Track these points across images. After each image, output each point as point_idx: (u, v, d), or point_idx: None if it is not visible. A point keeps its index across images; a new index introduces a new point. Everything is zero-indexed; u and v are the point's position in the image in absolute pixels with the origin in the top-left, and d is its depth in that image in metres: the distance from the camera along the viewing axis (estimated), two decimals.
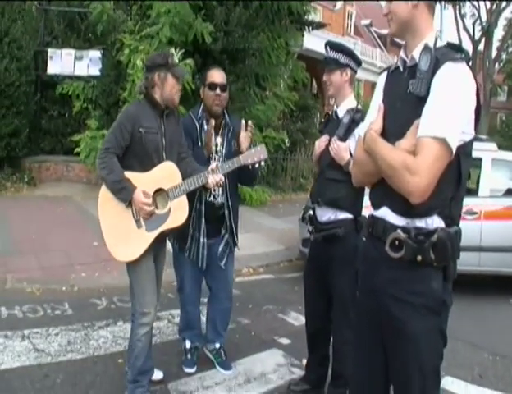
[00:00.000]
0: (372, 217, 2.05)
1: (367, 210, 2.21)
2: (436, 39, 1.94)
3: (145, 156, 3.07)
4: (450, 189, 1.87)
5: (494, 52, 30.68)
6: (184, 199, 3.10)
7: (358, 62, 3.31)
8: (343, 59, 3.22)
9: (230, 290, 3.74)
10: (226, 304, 3.73)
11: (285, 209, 10.83)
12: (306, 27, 11.14)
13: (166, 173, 3.09)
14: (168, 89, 3.09)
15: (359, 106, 3.26)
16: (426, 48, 1.88)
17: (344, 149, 3.11)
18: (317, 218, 3.30)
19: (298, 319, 4.99)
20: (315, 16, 12.11)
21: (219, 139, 3.49)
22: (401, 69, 2.02)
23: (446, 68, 1.81)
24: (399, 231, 1.89)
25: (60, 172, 10.66)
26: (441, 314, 1.88)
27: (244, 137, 3.41)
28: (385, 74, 2.14)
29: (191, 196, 3.23)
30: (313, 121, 16.80)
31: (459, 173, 1.87)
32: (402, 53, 2.03)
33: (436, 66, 1.82)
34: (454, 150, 1.79)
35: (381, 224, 1.96)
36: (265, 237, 8.12)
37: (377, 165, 1.92)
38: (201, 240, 3.47)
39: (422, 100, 1.84)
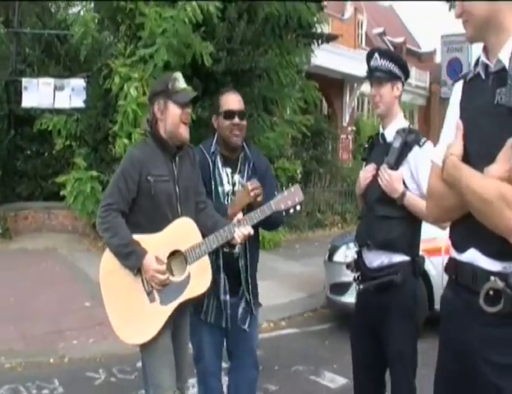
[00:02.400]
0: (454, 260, 1.91)
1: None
2: None
3: (156, 210, 2.95)
4: None
5: None
6: (205, 262, 2.97)
7: (408, 76, 3.24)
8: (396, 70, 3.14)
9: (255, 356, 3.56)
10: (251, 373, 3.56)
11: (303, 250, 10.82)
12: (315, 41, 11.32)
13: (182, 231, 2.97)
14: (170, 120, 2.98)
15: (411, 126, 3.19)
16: None
17: (396, 179, 3.03)
18: (367, 264, 3.17)
19: (334, 381, 4.91)
20: (324, 28, 12.28)
21: (237, 178, 3.41)
22: (483, 76, 1.85)
23: None
24: (494, 278, 1.73)
25: (40, 221, 10.67)
26: None
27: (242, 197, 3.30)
28: (460, 83, 1.96)
29: None
30: (327, 147, 17.00)
31: None
32: (483, 57, 1.86)
33: None
34: None
35: (469, 270, 1.81)
36: (283, 284, 8.09)
37: (461, 198, 1.77)
38: (222, 298, 3.34)
39: None
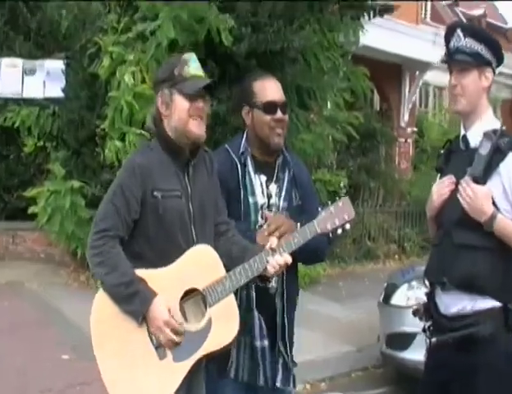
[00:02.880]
0: None
1: None
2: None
3: (165, 236, 2.97)
4: None
5: None
6: (230, 303, 2.96)
7: (501, 62, 3.22)
8: (485, 53, 3.12)
9: None
10: None
11: (349, 289, 10.87)
12: (366, 14, 11.41)
13: (199, 263, 2.97)
14: (176, 116, 3.02)
15: (504, 127, 3.14)
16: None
17: (484, 197, 3.00)
18: (441, 310, 3.18)
19: None
20: None
21: (274, 188, 3.48)
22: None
23: None
24: None
25: (2, 247, 10.75)
26: None
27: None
28: None
29: None
30: (380, 154, 17.01)
31: None
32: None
33: None
34: None
35: None
36: (323, 333, 8.14)
37: None
38: (257, 344, 3.35)
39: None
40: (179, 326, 2.85)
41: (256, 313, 3.34)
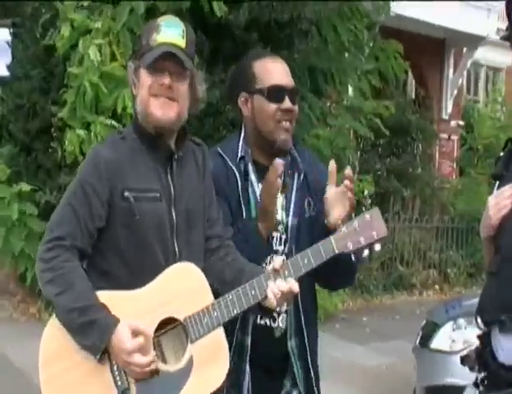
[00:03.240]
0: None
1: None
2: None
3: (138, 248, 2.94)
4: None
5: None
6: (219, 338, 2.91)
7: None
8: None
9: None
10: None
11: (375, 326, 10.93)
12: None
13: (180, 285, 2.92)
14: (140, 93, 3.04)
15: None
16: None
17: None
18: (500, 357, 3.17)
19: None
20: None
21: (279, 200, 3.42)
22: None
23: None
24: None
25: None
26: None
27: (338, 198, 3.26)
28: None
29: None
30: (416, 154, 17.04)
31: None
32: None
33: None
34: None
35: None
36: (342, 384, 8.10)
37: None
38: None
39: None
40: (149, 353, 2.77)
41: (247, 366, 3.31)
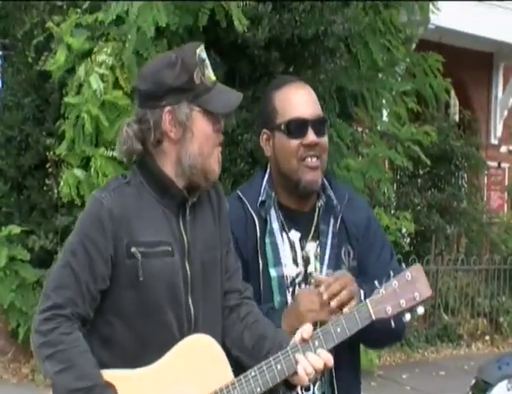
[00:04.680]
0: None
1: None
2: None
3: (146, 311, 2.88)
4: None
5: None
6: None
7: None
8: None
9: None
10: None
11: (417, 384, 10.91)
12: None
13: (196, 362, 2.87)
14: (198, 142, 2.89)
15: None
16: None
17: None
18: None
19: None
20: None
21: (313, 248, 3.43)
22: None
23: None
24: None
25: None
26: None
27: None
28: None
29: None
30: (461, 185, 17.06)
31: None
32: None
33: None
34: None
35: None
36: None
37: None
38: None
39: None
40: None
41: None
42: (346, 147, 9.81)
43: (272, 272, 3.30)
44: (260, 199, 3.36)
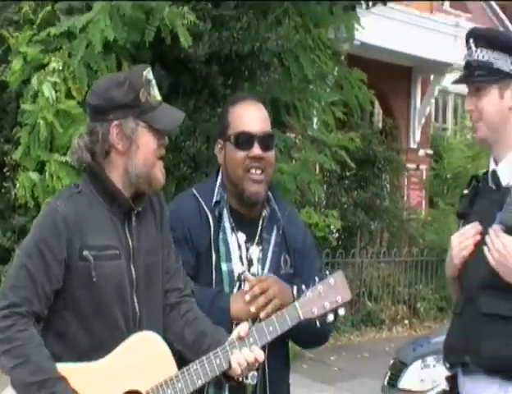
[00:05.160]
0: None
1: None
2: None
3: (97, 309, 2.91)
4: None
5: None
6: None
7: None
8: (505, 63, 3.22)
9: None
10: None
11: (344, 365, 11.03)
12: (364, 2, 11.60)
13: (142, 356, 2.90)
14: (141, 155, 2.93)
15: None
16: None
17: None
18: None
19: None
20: None
21: (256, 252, 3.47)
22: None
23: None
24: None
25: None
26: None
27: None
28: None
29: None
30: (384, 186, 17.23)
31: None
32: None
33: None
34: None
35: None
36: None
37: None
38: None
39: None
40: None
41: None
42: (280, 152, 9.83)
43: (224, 267, 3.35)
44: (215, 199, 3.40)
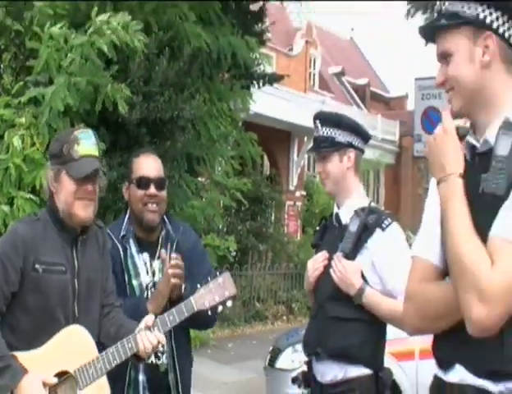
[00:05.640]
0: (438, 379, 2.01)
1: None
2: None
3: (43, 310, 2.89)
4: None
5: None
6: (103, 384, 2.89)
7: (366, 137, 3.42)
8: (342, 137, 3.31)
9: None
10: None
11: (238, 350, 11.05)
12: (256, 82, 11.77)
13: (71, 344, 2.89)
14: (63, 196, 2.91)
15: (373, 203, 3.34)
16: (507, 124, 1.86)
17: (353, 271, 3.12)
18: (317, 378, 3.27)
19: None
20: (267, 66, 12.76)
21: (157, 265, 3.45)
22: (468, 158, 1.97)
23: None
24: None
25: None
26: None
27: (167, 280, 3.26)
28: None
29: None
30: (269, 218, 17.41)
31: None
32: (469, 136, 2.00)
33: None
34: None
35: (456, 392, 1.91)
36: None
37: (452, 303, 1.84)
38: None
39: (499, 200, 1.81)
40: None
41: None
42: (191, 192, 9.88)
43: (134, 282, 3.38)
44: (122, 233, 3.42)
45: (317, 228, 3.60)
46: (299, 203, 20.69)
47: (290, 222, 19.90)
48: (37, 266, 2.84)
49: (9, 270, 2.80)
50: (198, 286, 3.05)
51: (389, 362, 5.99)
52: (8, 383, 2.68)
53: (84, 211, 2.90)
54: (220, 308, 3.05)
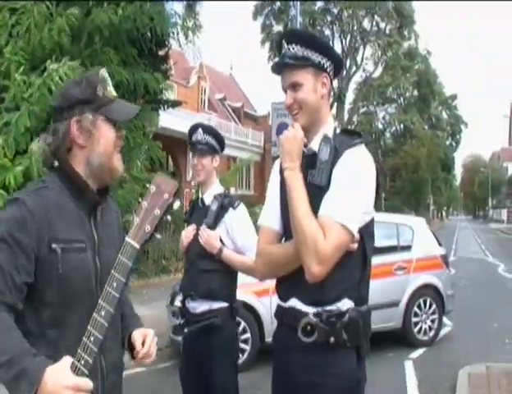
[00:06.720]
0: (280, 307, 2.15)
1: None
2: (335, 128, 2.09)
3: (64, 304, 1.75)
4: (358, 271, 2.02)
5: (346, 116, 35.36)
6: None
7: (223, 149, 3.45)
8: (216, 144, 3.36)
9: None
10: None
11: (150, 295, 10.93)
12: (162, 106, 11.76)
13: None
14: (102, 147, 1.85)
15: (226, 191, 3.43)
16: (325, 138, 2.02)
17: (214, 238, 3.22)
18: (190, 311, 3.31)
19: None
20: (171, 94, 12.74)
21: None
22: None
23: (345, 156, 1.97)
24: (310, 316, 1.99)
25: None
26: (357, 392, 2.02)
27: None
28: (279, 161, 2.14)
29: None
30: None
31: (364, 254, 2.02)
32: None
33: (335, 156, 1.98)
34: (355, 235, 1.94)
35: (291, 313, 2.05)
36: None
37: (289, 258, 2.02)
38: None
39: (322, 190, 1.96)
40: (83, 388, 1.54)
41: None
42: (117, 185, 9.85)
43: None
44: None
45: (187, 209, 3.65)
46: (193, 190, 20.62)
47: (187, 203, 19.71)
48: (54, 246, 1.73)
49: (19, 256, 1.69)
50: (131, 218, 1.78)
51: (252, 298, 6.40)
52: (27, 389, 1.53)
53: (120, 164, 1.91)
54: (169, 217, 1.74)
